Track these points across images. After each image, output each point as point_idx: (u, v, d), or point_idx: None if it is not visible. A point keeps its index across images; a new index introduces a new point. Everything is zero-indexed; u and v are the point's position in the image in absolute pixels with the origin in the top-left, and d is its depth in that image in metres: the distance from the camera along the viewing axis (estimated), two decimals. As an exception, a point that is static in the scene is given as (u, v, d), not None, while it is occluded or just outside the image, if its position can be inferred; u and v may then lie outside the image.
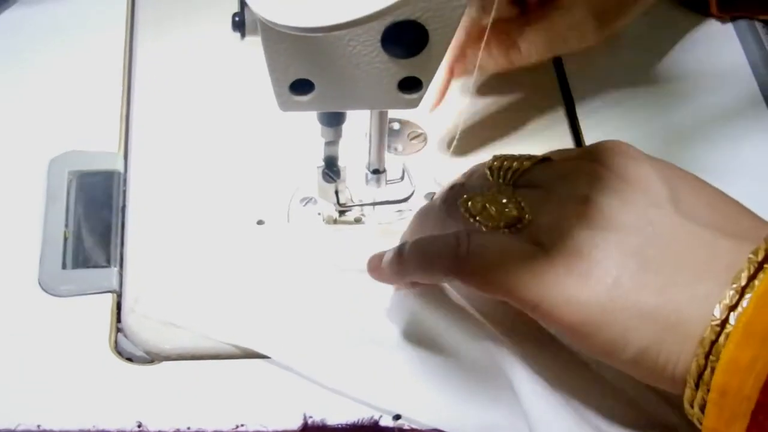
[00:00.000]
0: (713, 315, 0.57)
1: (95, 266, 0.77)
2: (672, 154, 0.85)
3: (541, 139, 0.86)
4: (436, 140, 0.85)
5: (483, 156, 0.82)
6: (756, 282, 0.57)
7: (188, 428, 0.68)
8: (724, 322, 0.57)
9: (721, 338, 0.56)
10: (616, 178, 0.63)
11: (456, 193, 0.67)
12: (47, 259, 0.77)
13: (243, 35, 0.72)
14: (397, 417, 0.69)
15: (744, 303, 0.56)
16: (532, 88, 0.89)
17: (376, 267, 0.69)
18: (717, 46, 0.94)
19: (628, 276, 0.59)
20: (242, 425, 0.68)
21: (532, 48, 0.82)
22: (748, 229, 0.61)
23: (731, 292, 0.57)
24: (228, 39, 0.85)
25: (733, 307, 0.57)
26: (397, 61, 0.64)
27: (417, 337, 0.71)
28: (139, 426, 0.68)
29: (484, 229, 0.64)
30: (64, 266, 0.76)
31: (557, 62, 0.91)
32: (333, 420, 0.69)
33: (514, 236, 0.63)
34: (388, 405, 0.69)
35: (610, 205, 0.62)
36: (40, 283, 0.75)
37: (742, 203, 0.63)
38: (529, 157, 0.67)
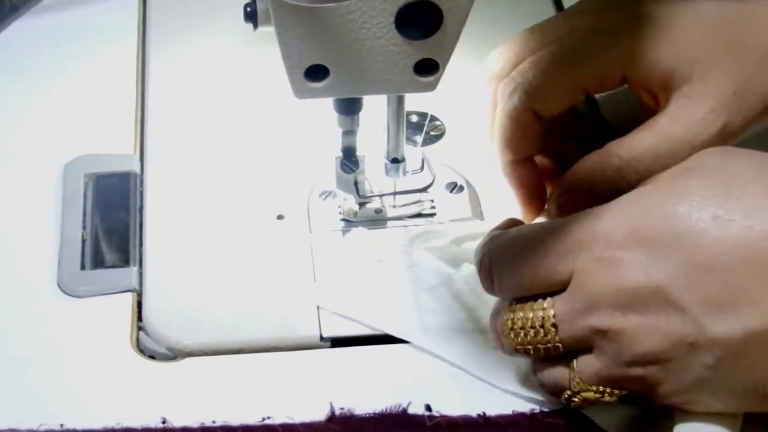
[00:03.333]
0: None
1: (114, 266, 0.76)
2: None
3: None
4: (454, 131, 0.85)
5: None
6: None
7: (213, 422, 0.67)
8: None
9: None
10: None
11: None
12: (66, 261, 0.76)
13: (255, 26, 0.71)
14: (428, 407, 0.68)
15: None
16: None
17: None
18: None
19: None
20: (268, 418, 0.67)
21: None
22: None
23: None
24: (240, 35, 0.85)
25: None
26: (412, 43, 0.63)
27: None
28: (163, 422, 0.67)
29: None
30: (83, 267, 0.76)
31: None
32: (360, 410, 0.68)
33: None
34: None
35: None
36: (59, 285, 0.75)
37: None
38: (545, 332, 0.63)
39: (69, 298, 0.74)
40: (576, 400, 0.64)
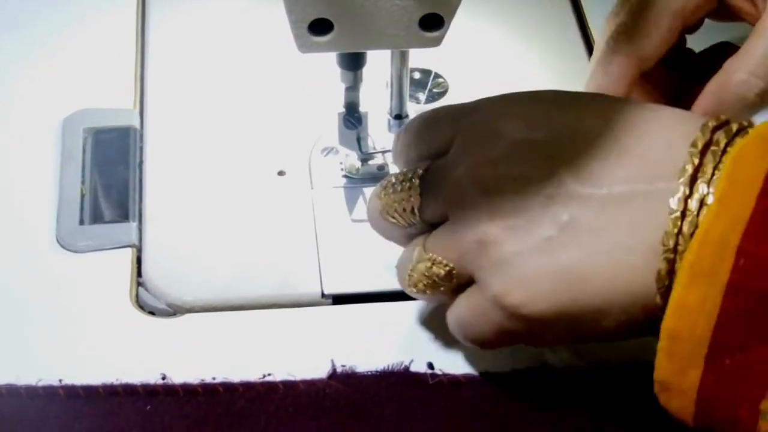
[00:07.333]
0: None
1: (113, 221, 0.76)
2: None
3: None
4: (458, 88, 0.84)
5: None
6: (692, 218, 0.53)
7: (213, 379, 0.66)
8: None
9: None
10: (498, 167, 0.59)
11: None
12: (65, 216, 0.75)
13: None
14: (431, 365, 0.68)
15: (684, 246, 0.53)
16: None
17: None
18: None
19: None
20: (269, 375, 0.67)
21: None
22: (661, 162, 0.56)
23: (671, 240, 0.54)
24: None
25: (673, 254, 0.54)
26: (417, -3, 0.62)
27: None
28: (163, 378, 0.67)
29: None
30: (81, 222, 0.75)
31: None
32: (362, 367, 0.67)
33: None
34: None
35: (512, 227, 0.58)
36: (58, 240, 0.74)
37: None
38: (409, 186, 0.64)
39: (68, 253, 0.74)
40: (413, 275, 0.63)
